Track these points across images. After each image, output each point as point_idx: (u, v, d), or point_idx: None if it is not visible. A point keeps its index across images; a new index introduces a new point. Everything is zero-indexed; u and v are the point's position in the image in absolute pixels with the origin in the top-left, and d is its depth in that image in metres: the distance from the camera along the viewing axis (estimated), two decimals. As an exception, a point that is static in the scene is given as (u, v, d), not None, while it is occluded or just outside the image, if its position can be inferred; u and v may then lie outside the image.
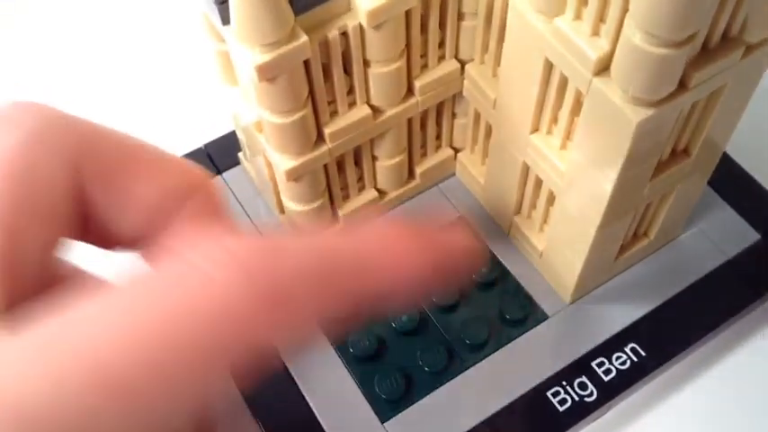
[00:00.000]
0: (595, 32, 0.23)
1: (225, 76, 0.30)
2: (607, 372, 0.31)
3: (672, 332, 0.32)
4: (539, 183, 0.31)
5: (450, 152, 0.35)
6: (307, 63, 0.26)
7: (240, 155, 0.36)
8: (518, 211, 0.33)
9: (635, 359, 0.31)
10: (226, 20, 0.25)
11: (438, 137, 0.35)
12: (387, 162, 0.33)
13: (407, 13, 0.27)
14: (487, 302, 0.33)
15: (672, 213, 0.32)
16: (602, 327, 0.32)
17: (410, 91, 0.30)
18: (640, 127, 0.23)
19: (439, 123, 0.34)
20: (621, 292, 0.33)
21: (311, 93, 0.27)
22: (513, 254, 0.34)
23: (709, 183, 0.32)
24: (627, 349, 0.31)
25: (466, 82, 0.31)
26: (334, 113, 0.29)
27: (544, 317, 0.32)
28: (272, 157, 0.30)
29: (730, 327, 0.33)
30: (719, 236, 0.34)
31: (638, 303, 0.33)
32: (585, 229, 0.28)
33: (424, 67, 0.30)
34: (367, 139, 0.31)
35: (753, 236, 0.34)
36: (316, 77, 0.27)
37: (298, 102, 0.27)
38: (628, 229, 0.31)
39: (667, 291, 0.33)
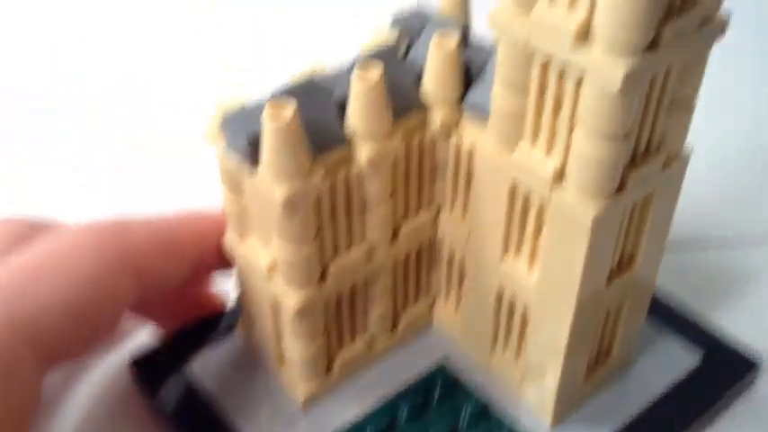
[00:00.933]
0: (549, 151, 0.30)
1: (238, 229, 0.35)
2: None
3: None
4: (511, 311, 0.36)
5: (428, 302, 0.40)
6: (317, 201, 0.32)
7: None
8: (494, 345, 0.38)
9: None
10: (255, 161, 0.31)
11: (417, 285, 0.40)
12: (377, 311, 0.37)
13: (394, 162, 0.34)
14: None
15: (626, 332, 0.36)
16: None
17: (395, 236, 0.36)
18: (596, 221, 0.29)
19: (418, 272, 0.39)
20: (598, 413, 0.37)
21: (319, 229, 0.33)
22: (495, 385, 0.38)
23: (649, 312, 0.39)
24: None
25: (441, 226, 0.37)
26: (336, 251, 0.34)
27: (529, 439, 0.36)
28: (282, 295, 0.34)
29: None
30: (666, 358, 0.39)
31: (614, 421, 0.36)
32: (557, 344, 0.33)
33: (406, 215, 0.36)
34: (362, 280, 0.36)
35: (695, 354, 0.39)
36: (324, 214, 0.32)
37: (308, 234, 0.32)
38: (593, 344, 0.36)
39: (629, 412, 0.37)
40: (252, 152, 0.31)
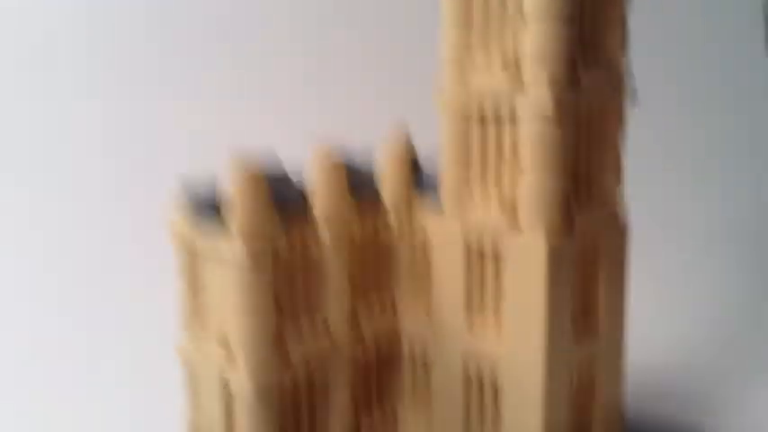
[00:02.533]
0: (499, 202, 0.32)
1: (192, 326, 0.34)
2: None
3: None
4: (482, 391, 0.35)
5: (393, 415, 0.39)
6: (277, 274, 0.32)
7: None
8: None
9: None
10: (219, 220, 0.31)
11: (379, 393, 0.38)
12: (339, 422, 0.35)
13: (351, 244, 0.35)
14: None
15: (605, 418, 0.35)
16: None
17: (359, 334, 0.36)
18: (551, 251, 0.30)
19: (379, 379, 0.38)
20: None
21: (279, 305, 0.32)
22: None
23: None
24: None
25: (403, 326, 0.37)
26: (299, 337, 0.33)
27: None
28: (238, 382, 0.32)
29: None
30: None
31: None
32: (533, 411, 0.32)
33: (370, 316, 0.37)
34: (325, 373, 0.34)
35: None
36: (285, 287, 0.32)
37: (269, 299, 0.31)
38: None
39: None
40: (215, 212, 0.32)
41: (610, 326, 0.35)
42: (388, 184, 0.36)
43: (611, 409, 0.36)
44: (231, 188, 0.31)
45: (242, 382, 0.31)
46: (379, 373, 0.39)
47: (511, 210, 0.32)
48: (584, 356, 0.34)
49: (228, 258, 0.31)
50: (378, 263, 0.37)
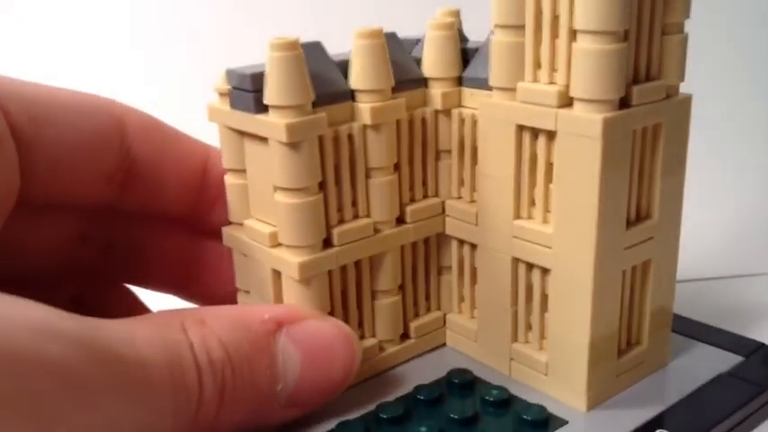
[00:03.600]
0: (551, 80, 0.30)
1: (239, 212, 0.34)
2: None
3: (695, 419, 0.32)
4: (529, 285, 0.33)
5: (440, 314, 0.38)
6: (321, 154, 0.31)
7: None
8: (515, 338, 0.35)
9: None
10: (260, 107, 0.31)
11: (427, 297, 0.38)
12: (385, 300, 0.35)
13: (398, 127, 0.33)
14: (504, 420, 0.32)
15: (654, 308, 0.34)
16: (625, 421, 0.31)
17: (402, 220, 0.35)
18: (606, 123, 0.28)
19: (428, 279, 0.37)
20: (635, 399, 0.33)
21: (323, 186, 0.32)
22: (518, 381, 0.34)
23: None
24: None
25: (448, 219, 0.36)
26: (341, 221, 0.33)
27: (563, 422, 0.31)
28: (282, 256, 0.32)
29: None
30: (706, 361, 0.36)
31: (652, 406, 0.32)
32: (583, 293, 0.30)
33: (412, 200, 0.35)
34: (369, 254, 0.34)
35: (734, 359, 0.36)
36: (328, 169, 0.32)
37: (314, 179, 0.31)
38: (620, 327, 0.33)
39: (673, 398, 0.33)
40: (257, 96, 0.31)
41: (666, 213, 0.32)
42: (433, 64, 0.34)
43: (662, 300, 0.34)
44: (268, 63, 0.30)
45: (287, 261, 0.31)
46: (427, 272, 0.37)
47: (563, 91, 0.30)
48: (638, 244, 0.32)
49: (268, 134, 0.30)
50: (424, 154, 0.35)
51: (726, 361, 0.36)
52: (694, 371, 0.35)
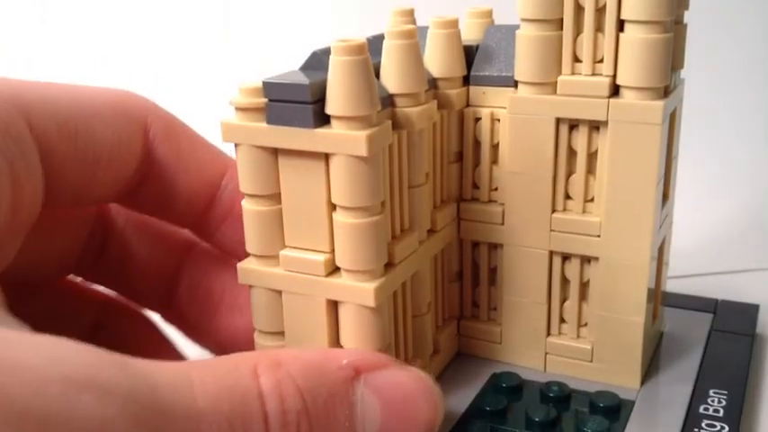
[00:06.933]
0: (592, 71, 0.30)
1: (268, 243, 0.30)
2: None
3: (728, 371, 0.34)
4: (564, 278, 0.34)
5: (454, 323, 0.36)
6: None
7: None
8: (549, 332, 0.35)
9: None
10: (319, 120, 0.27)
11: (442, 307, 0.36)
12: (420, 318, 0.33)
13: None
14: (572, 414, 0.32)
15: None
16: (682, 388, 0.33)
17: (432, 229, 0.33)
18: (665, 109, 0.30)
19: (443, 289, 0.35)
20: (671, 370, 0.35)
21: (383, 203, 0.29)
22: (561, 373, 0.34)
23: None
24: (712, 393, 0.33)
25: (463, 222, 0.35)
26: (394, 237, 0.30)
27: (631, 404, 0.32)
28: (348, 283, 0.28)
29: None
30: (689, 322, 0.39)
31: (688, 369, 0.35)
32: (640, 275, 0.32)
33: (434, 206, 0.34)
34: (415, 270, 0.31)
35: (708, 316, 0.40)
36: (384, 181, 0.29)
37: (381, 196, 0.28)
38: (655, 302, 0.35)
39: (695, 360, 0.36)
40: (316, 107, 0.27)
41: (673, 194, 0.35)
42: (440, 64, 0.32)
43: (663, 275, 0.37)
44: (332, 68, 0.26)
45: (358, 288, 0.28)
46: (444, 282, 0.35)
47: (611, 81, 0.30)
48: (663, 223, 0.34)
49: (335, 149, 0.27)
50: (443, 159, 0.34)
51: (704, 320, 0.39)
52: (689, 333, 0.38)
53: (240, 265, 0.31)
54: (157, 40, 0.67)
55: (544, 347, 0.35)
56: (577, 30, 0.31)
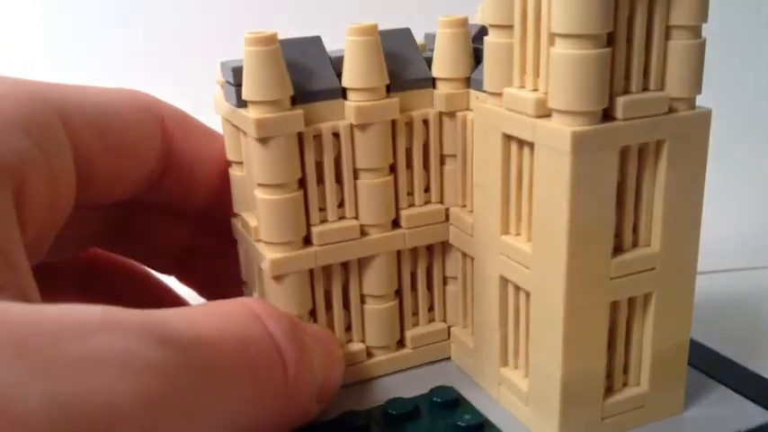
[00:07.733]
0: (535, 87, 0.27)
1: (243, 204, 0.34)
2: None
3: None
4: (517, 309, 0.31)
5: (444, 326, 0.36)
6: (301, 151, 0.31)
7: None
8: (504, 362, 0.32)
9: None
10: (242, 101, 0.31)
11: (431, 308, 0.36)
12: (375, 305, 0.34)
13: (394, 128, 0.32)
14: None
15: (659, 347, 0.30)
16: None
17: (397, 223, 0.34)
18: (575, 137, 0.25)
19: (430, 288, 0.36)
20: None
21: (303, 184, 0.31)
22: (502, 416, 0.31)
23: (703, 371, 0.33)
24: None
25: (452, 228, 0.34)
26: (324, 221, 0.32)
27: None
28: (261, 251, 0.32)
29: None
30: (727, 414, 0.31)
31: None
32: (555, 322, 0.28)
33: (411, 205, 0.34)
34: (354, 256, 0.33)
35: (761, 414, 0.31)
36: (309, 166, 0.31)
37: (290, 176, 0.30)
38: (612, 365, 0.30)
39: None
40: (238, 90, 0.31)
41: (674, 239, 0.28)
42: (440, 63, 0.32)
43: (672, 339, 0.30)
44: (244, 57, 0.29)
45: (263, 257, 0.31)
46: (429, 281, 0.35)
47: (541, 99, 0.27)
48: (631, 274, 0.28)
49: (246, 129, 0.30)
50: (426, 158, 0.34)
51: (748, 416, 0.31)
52: (709, 424, 0.31)
53: (232, 219, 0.36)
54: (157, 40, 0.68)
55: (498, 377, 0.32)
56: (525, 39, 0.27)
